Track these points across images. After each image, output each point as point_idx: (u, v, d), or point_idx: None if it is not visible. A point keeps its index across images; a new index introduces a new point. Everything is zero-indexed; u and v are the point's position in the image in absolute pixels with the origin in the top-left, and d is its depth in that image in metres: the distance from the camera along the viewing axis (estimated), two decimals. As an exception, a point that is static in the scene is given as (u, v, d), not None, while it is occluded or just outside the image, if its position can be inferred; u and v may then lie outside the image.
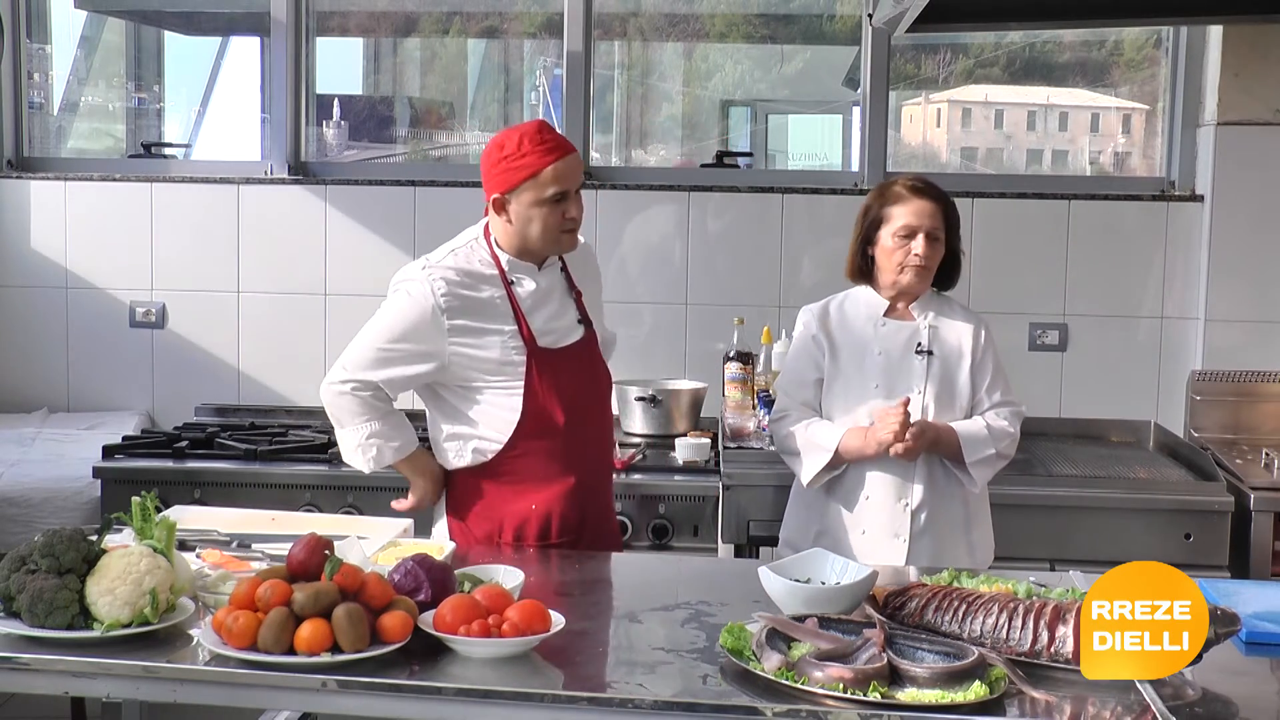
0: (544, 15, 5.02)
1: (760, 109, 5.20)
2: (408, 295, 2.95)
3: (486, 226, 3.04)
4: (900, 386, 3.10)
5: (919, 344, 3.15)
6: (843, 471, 3.17)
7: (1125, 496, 3.76)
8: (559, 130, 3.29)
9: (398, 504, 3.08)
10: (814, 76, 5.26)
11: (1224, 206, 4.38)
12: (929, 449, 3.10)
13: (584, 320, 3.06)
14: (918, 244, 3.10)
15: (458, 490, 3.06)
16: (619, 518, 3.53)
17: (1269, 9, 3.85)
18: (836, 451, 3.11)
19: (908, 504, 3.12)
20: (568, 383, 2.98)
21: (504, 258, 2.99)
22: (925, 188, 3.14)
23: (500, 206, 2.94)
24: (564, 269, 3.08)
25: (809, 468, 3.15)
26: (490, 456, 2.97)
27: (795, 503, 3.30)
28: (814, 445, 3.14)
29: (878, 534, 3.12)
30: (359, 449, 2.98)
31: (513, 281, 2.98)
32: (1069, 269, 4.52)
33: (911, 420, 3.03)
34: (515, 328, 2.95)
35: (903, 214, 3.12)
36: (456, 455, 3.01)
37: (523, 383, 2.94)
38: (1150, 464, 4.07)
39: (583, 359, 3.03)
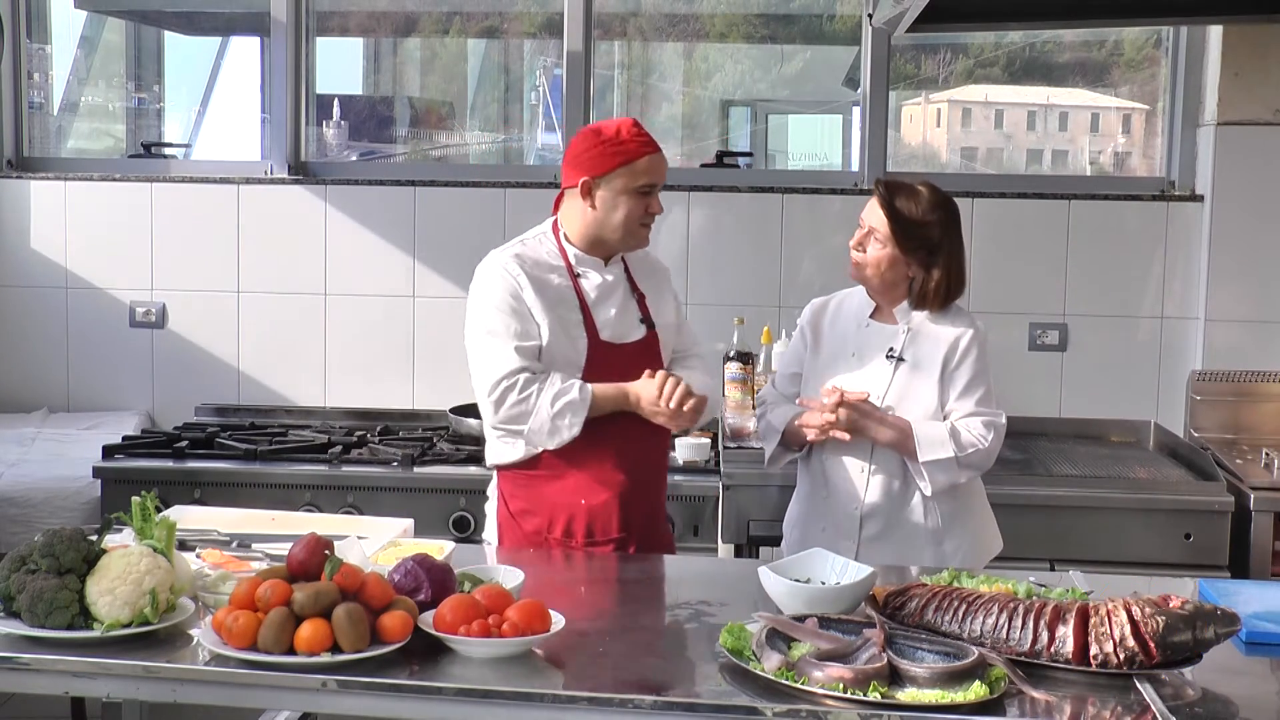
0: (544, 15, 5.02)
1: (760, 109, 5.20)
2: (485, 280, 3.02)
3: (554, 223, 3.09)
4: (863, 390, 3.08)
5: (890, 349, 3.14)
6: (811, 466, 3.19)
7: (1125, 496, 3.76)
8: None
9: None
10: (814, 76, 5.26)
11: (1224, 206, 4.38)
12: (870, 435, 3.06)
13: (646, 321, 3.09)
14: (854, 235, 3.14)
15: (508, 485, 3.08)
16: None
17: (1269, 9, 3.86)
18: (788, 433, 3.14)
19: (858, 507, 3.11)
20: (624, 378, 3.00)
21: (571, 251, 3.05)
22: (883, 191, 3.11)
23: (587, 190, 2.98)
24: (626, 270, 3.12)
25: (766, 450, 3.23)
26: (541, 450, 2.99)
27: (793, 495, 3.34)
28: (770, 428, 3.21)
29: (833, 533, 3.12)
30: (552, 421, 2.92)
31: (579, 274, 3.04)
32: (1069, 269, 4.52)
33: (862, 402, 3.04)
34: (580, 317, 3.00)
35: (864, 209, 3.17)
36: (511, 447, 3.02)
37: (580, 375, 2.98)
38: (1150, 464, 4.07)
39: (643, 357, 3.05)
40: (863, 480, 3.11)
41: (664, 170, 3.03)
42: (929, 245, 3.09)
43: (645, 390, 2.95)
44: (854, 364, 3.15)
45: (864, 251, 3.11)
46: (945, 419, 3.09)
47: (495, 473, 3.12)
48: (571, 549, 3.00)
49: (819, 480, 3.17)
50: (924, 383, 3.11)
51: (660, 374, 2.96)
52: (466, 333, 3.05)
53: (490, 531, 3.14)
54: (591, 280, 3.04)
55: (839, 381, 3.10)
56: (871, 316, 3.19)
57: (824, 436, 3.06)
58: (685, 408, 2.92)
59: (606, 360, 2.99)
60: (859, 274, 3.15)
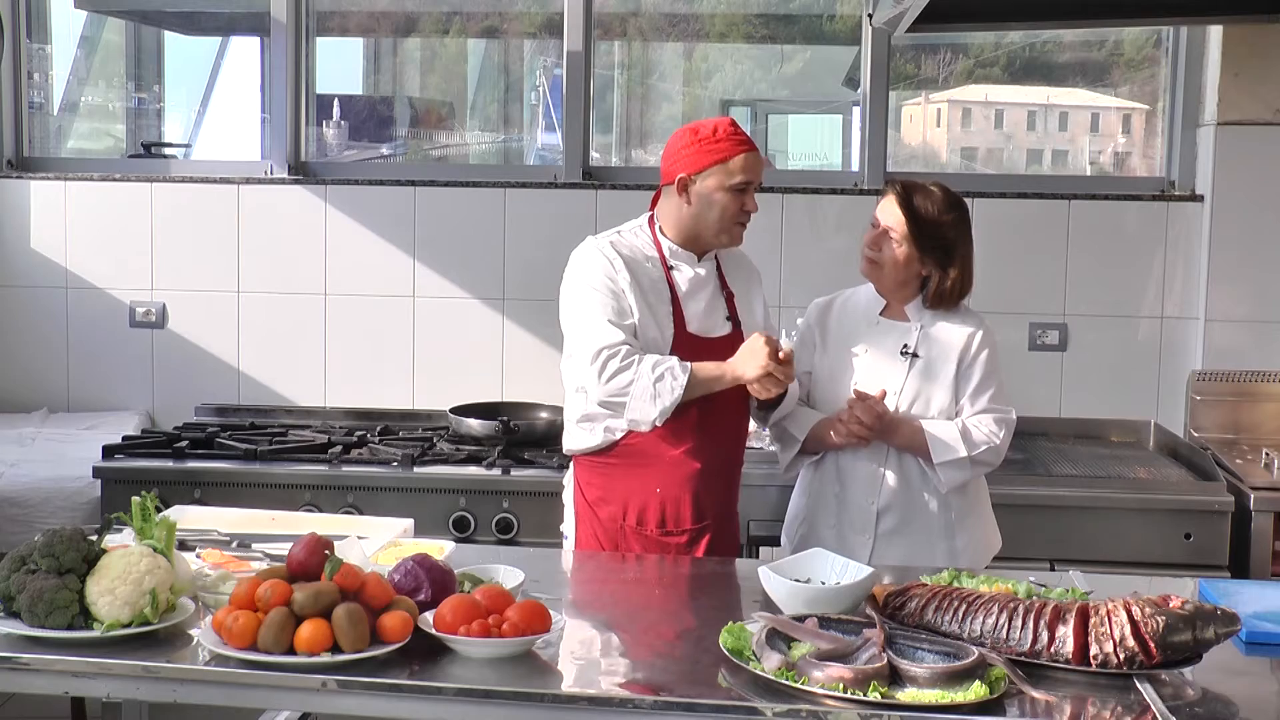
0: (544, 15, 5.01)
1: (760, 109, 5.20)
2: (581, 263, 3.09)
3: (651, 217, 3.16)
4: (878, 386, 3.10)
5: (905, 345, 3.15)
6: (822, 463, 3.19)
7: (1125, 496, 3.76)
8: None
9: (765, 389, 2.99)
10: (814, 76, 5.26)
11: (1224, 206, 4.38)
12: (885, 439, 3.09)
13: (732, 318, 3.14)
14: (867, 234, 3.16)
15: (584, 473, 3.12)
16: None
17: (1269, 9, 3.86)
18: (809, 439, 3.15)
19: (874, 502, 3.13)
20: None
21: (666, 244, 3.12)
22: (899, 190, 3.13)
23: (683, 187, 3.05)
24: (718, 267, 3.17)
25: (783, 455, 3.23)
26: (619, 436, 3.04)
27: (794, 492, 3.34)
28: (787, 435, 3.19)
29: (846, 530, 3.14)
30: (654, 386, 2.95)
31: (672, 267, 3.10)
32: (1069, 269, 4.52)
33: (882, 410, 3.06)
34: (669, 308, 3.07)
35: (876, 208, 3.18)
36: (589, 434, 3.07)
37: None
38: (1150, 464, 4.07)
39: (726, 353, 3.07)
40: (879, 476, 3.12)
41: (760, 169, 3.07)
42: (945, 244, 3.11)
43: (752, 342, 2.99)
44: (867, 361, 3.16)
45: (879, 250, 3.12)
46: (958, 415, 3.12)
47: (572, 462, 3.17)
48: (646, 538, 3.05)
49: (830, 477, 3.18)
50: (939, 380, 3.13)
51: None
52: (563, 318, 3.10)
53: (568, 523, 3.19)
54: (684, 273, 3.11)
55: (854, 378, 3.12)
56: (881, 314, 3.20)
57: (851, 442, 3.08)
58: (781, 357, 2.95)
59: (691, 352, 3.03)
60: (874, 273, 3.16)
